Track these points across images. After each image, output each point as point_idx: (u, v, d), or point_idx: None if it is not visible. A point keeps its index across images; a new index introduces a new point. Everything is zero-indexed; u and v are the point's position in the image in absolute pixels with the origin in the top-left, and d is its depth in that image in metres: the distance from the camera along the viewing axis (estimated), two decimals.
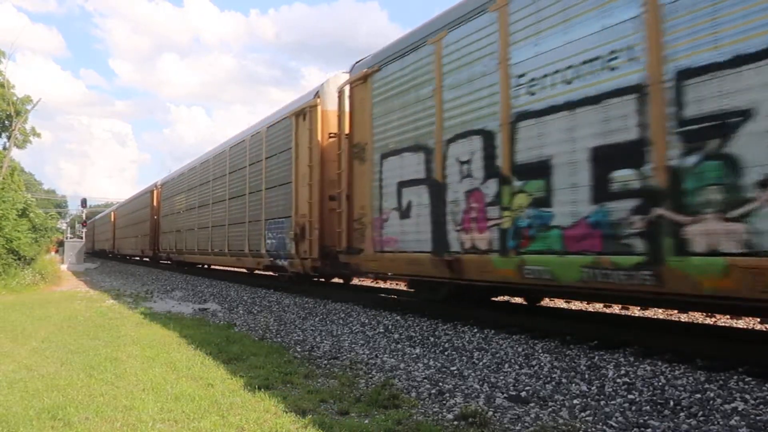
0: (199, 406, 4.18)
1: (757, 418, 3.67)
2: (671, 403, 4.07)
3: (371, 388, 4.64)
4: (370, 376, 5.15)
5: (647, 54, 4.90)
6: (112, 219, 42.42)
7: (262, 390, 4.56)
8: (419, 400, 4.35)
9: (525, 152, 6.12)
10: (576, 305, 9.32)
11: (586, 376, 4.85)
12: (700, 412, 3.85)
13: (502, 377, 5.01)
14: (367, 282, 14.47)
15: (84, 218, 45.57)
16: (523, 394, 4.49)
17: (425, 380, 4.94)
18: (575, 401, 4.24)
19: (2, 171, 29.02)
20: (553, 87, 5.78)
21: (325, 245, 10.86)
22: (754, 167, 4.15)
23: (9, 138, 34.32)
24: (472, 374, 5.15)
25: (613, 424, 3.73)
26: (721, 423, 3.66)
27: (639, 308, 8.50)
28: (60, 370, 5.54)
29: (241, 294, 13.07)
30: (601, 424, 3.74)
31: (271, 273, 14.91)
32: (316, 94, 11.51)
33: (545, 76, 5.86)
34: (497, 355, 5.79)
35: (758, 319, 7.29)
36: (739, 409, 3.82)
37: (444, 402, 4.31)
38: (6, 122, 34.54)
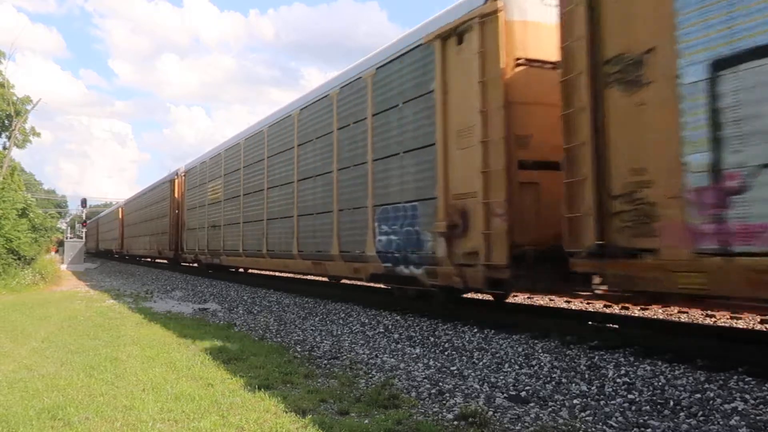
0: (199, 406, 4.18)
1: (757, 418, 3.67)
2: (671, 403, 4.07)
3: (371, 388, 4.64)
4: (370, 376, 5.15)
5: None
6: (120, 216, 38.02)
7: (262, 390, 4.56)
8: (419, 400, 4.35)
9: None
10: (576, 305, 9.32)
11: (586, 376, 4.85)
12: (700, 412, 3.85)
13: (502, 377, 5.01)
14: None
15: (84, 218, 45.45)
16: (523, 394, 4.49)
17: (425, 380, 4.94)
18: (575, 401, 4.24)
19: (2, 171, 29.03)
20: None
21: (518, 243, 6.56)
22: None
23: (9, 138, 34.31)
24: (472, 374, 5.15)
25: (613, 423, 3.73)
26: (721, 423, 3.66)
27: (639, 308, 8.50)
28: (60, 370, 5.54)
29: (241, 294, 13.06)
30: (601, 423, 3.74)
31: (382, 285, 10.43)
32: None
33: None
34: (497, 355, 5.78)
35: (758, 319, 7.30)
36: (739, 409, 3.82)
37: (444, 402, 4.31)
38: (6, 122, 34.54)
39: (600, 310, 8.94)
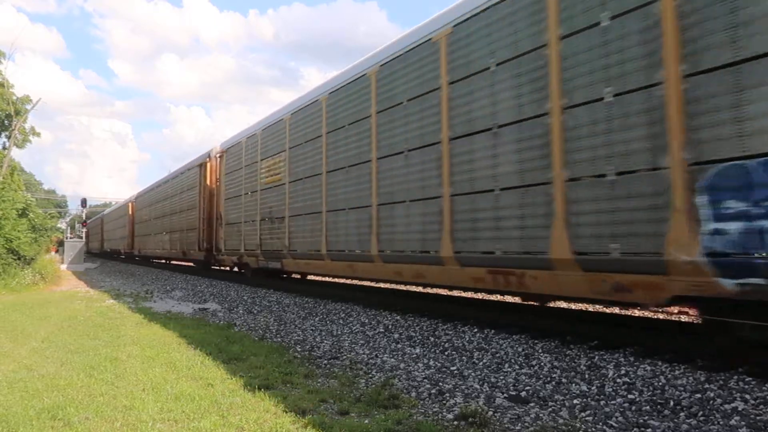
0: (199, 406, 4.18)
1: (757, 418, 3.67)
2: (671, 403, 4.07)
3: (371, 388, 4.64)
4: (370, 376, 5.15)
5: None
6: (130, 211, 33.58)
7: (262, 390, 4.56)
8: (419, 400, 4.35)
9: None
10: (576, 305, 9.32)
11: (586, 376, 4.85)
12: (700, 412, 3.85)
13: (502, 377, 5.01)
14: None
15: (84, 218, 45.41)
16: (523, 394, 4.49)
17: (425, 380, 4.94)
18: (575, 401, 4.24)
19: (2, 171, 29.02)
20: None
21: None
22: None
23: (9, 138, 34.33)
24: (472, 374, 5.15)
25: (613, 424, 3.73)
26: (721, 423, 3.66)
27: (639, 308, 8.50)
28: (60, 370, 5.53)
29: (241, 294, 13.06)
30: (601, 424, 3.74)
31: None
32: None
33: None
34: (497, 355, 5.79)
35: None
36: (739, 409, 3.82)
37: (444, 402, 4.31)
38: (6, 122, 34.56)
39: (600, 309, 8.94)
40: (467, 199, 7.15)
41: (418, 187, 8.08)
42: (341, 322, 8.39)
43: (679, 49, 4.74)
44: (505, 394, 4.48)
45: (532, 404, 4.22)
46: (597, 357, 5.32)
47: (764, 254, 4.19)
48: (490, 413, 3.95)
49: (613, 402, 4.19)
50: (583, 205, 5.55)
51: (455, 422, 3.81)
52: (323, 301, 10.75)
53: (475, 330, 6.98)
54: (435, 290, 12.03)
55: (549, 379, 4.88)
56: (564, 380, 4.79)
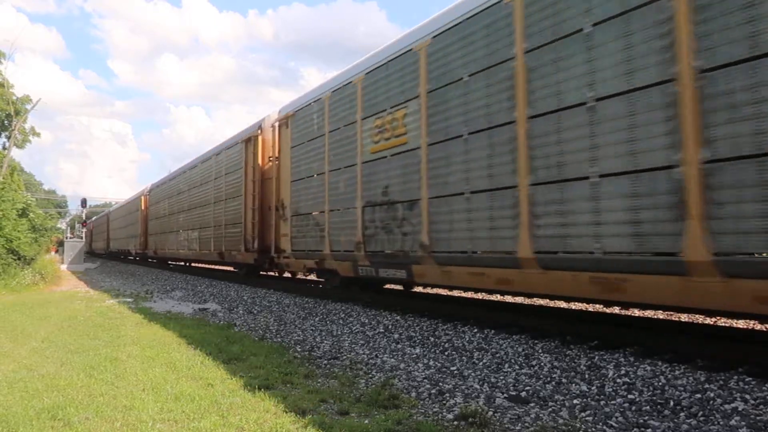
0: (199, 406, 4.18)
1: (758, 418, 3.67)
2: (671, 403, 4.07)
3: (371, 388, 4.64)
4: (370, 376, 5.15)
5: None
6: (143, 206, 29.52)
7: (262, 390, 4.56)
8: (419, 400, 4.35)
9: None
10: (576, 305, 9.32)
11: (586, 376, 4.85)
12: (700, 412, 3.85)
13: (502, 377, 5.01)
14: None
15: (84, 218, 45.41)
16: (523, 394, 4.49)
17: (425, 380, 4.94)
18: (575, 401, 4.24)
19: (2, 171, 29.02)
20: None
21: None
22: None
23: (9, 138, 34.34)
24: (472, 374, 5.15)
25: (613, 424, 3.73)
26: (721, 423, 3.66)
27: (639, 308, 8.50)
28: (60, 370, 5.53)
29: (241, 294, 13.06)
30: (601, 424, 3.74)
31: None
32: None
33: None
34: (497, 355, 5.79)
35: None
36: (739, 409, 3.82)
37: (444, 402, 4.31)
38: (6, 122, 34.58)
39: (600, 310, 8.94)
40: None
41: None
42: (341, 322, 8.39)
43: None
44: (505, 394, 4.48)
45: (532, 404, 4.22)
46: (597, 357, 5.32)
47: None
48: (490, 413, 3.95)
49: (613, 402, 4.19)
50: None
51: (455, 422, 3.81)
52: (323, 301, 10.75)
53: (475, 330, 6.98)
54: (435, 290, 12.04)
55: (549, 379, 4.88)
56: (564, 380, 4.79)
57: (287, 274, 14.87)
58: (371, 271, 9.27)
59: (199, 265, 23.59)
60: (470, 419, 3.79)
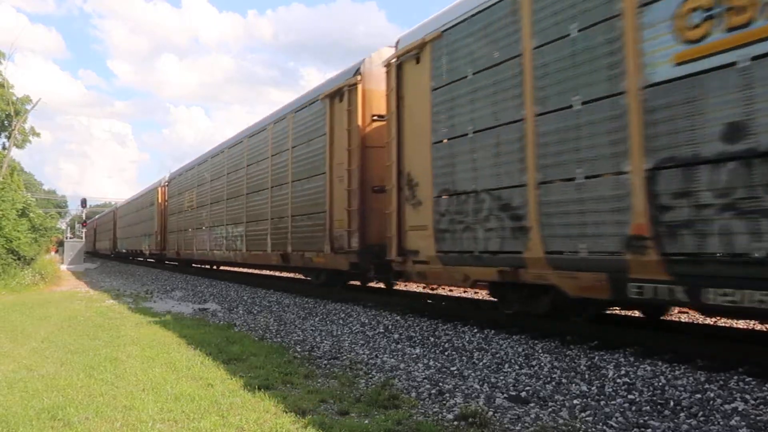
0: (199, 406, 4.18)
1: (758, 418, 3.67)
2: (671, 403, 4.07)
3: (371, 388, 4.64)
4: (370, 376, 5.15)
5: None
6: (160, 199, 25.10)
7: (262, 390, 4.56)
8: (419, 400, 4.34)
9: None
10: None
11: (586, 376, 4.85)
12: (700, 413, 3.85)
13: (502, 377, 5.01)
14: None
15: (84, 218, 45.39)
16: (523, 394, 4.49)
17: (425, 380, 4.94)
18: (575, 401, 4.24)
19: (2, 171, 29.02)
20: None
21: None
22: None
23: (9, 138, 34.35)
24: (472, 374, 5.15)
25: (613, 424, 3.73)
26: (721, 423, 3.66)
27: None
28: (60, 370, 5.53)
29: (241, 294, 13.06)
30: (601, 424, 3.74)
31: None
32: None
33: None
34: (497, 355, 5.78)
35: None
36: (739, 409, 3.82)
37: (444, 402, 4.31)
38: (6, 122, 34.59)
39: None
40: None
41: None
42: (341, 322, 8.39)
43: None
44: (505, 395, 4.48)
45: (532, 404, 4.22)
46: (597, 357, 5.32)
47: None
48: (490, 413, 3.95)
49: (613, 402, 4.19)
50: None
51: (455, 422, 3.81)
52: (323, 301, 10.75)
53: (475, 330, 6.98)
54: (435, 290, 12.04)
55: (549, 379, 4.88)
56: (564, 380, 4.79)
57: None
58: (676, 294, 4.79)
59: (250, 270, 19.23)
60: (470, 419, 3.78)
